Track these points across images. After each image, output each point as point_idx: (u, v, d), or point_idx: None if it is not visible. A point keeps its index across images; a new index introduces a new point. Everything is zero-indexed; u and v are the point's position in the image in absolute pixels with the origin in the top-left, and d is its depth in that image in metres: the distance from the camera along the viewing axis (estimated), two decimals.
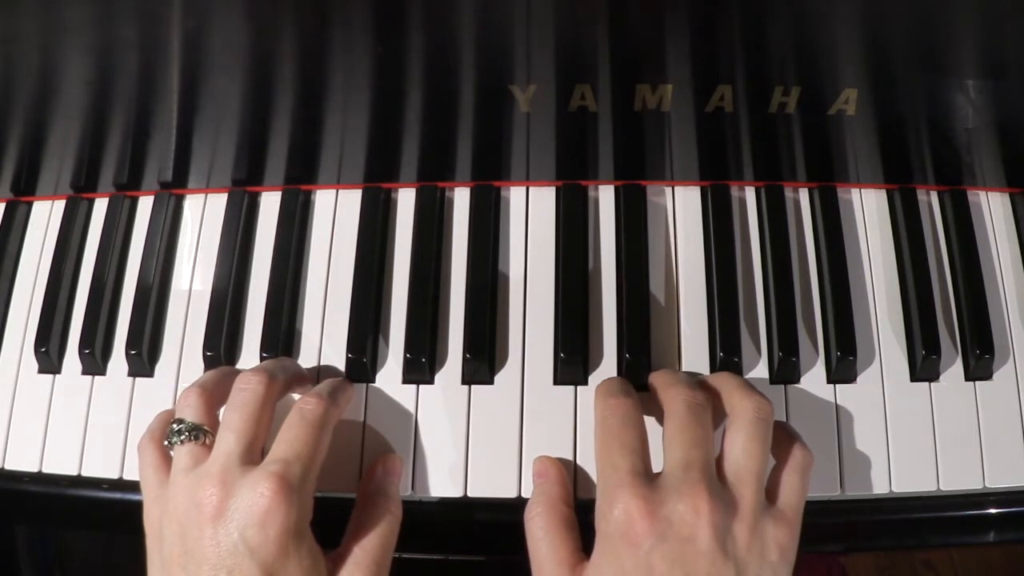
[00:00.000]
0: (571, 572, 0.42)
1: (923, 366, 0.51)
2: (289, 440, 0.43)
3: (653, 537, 0.39)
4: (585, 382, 0.51)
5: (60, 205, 0.58)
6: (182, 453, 0.44)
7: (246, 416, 0.44)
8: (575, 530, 0.45)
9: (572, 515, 0.46)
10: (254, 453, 0.44)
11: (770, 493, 0.44)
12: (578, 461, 0.49)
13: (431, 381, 0.51)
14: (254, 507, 0.40)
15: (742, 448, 0.43)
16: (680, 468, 0.41)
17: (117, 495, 0.52)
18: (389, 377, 0.51)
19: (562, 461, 0.49)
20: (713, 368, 0.51)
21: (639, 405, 0.45)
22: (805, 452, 0.45)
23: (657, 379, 0.48)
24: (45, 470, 0.52)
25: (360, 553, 0.44)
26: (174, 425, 0.45)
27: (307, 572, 0.41)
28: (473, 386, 0.51)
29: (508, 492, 0.49)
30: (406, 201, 0.56)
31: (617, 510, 0.41)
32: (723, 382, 0.46)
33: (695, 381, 0.46)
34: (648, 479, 0.42)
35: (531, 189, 0.56)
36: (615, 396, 0.45)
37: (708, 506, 0.40)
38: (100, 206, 0.58)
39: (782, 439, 0.46)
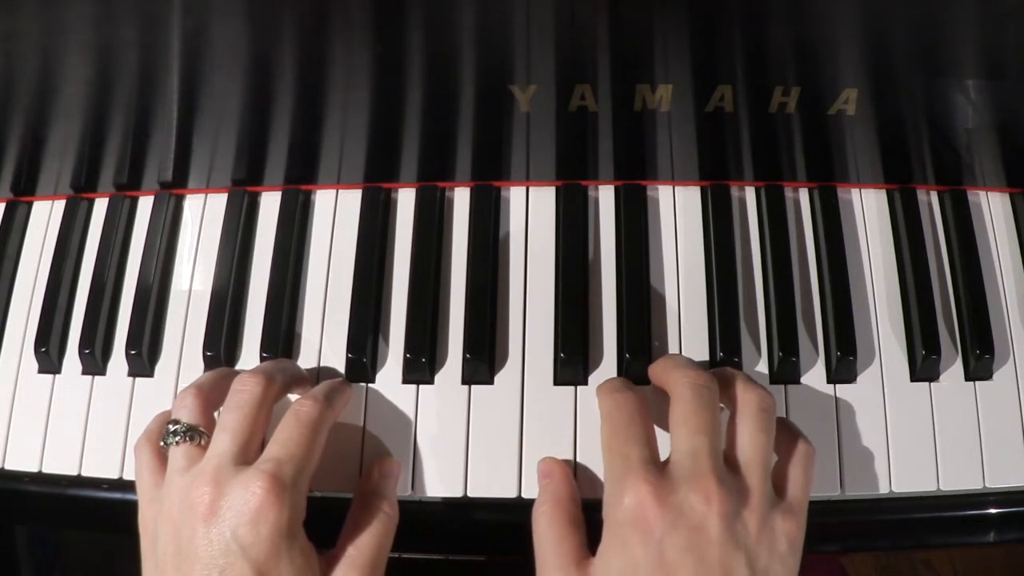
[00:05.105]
0: (576, 568, 0.42)
1: (923, 366, 0.51)
2: (283, 440, 0.43)
3: (664, 525, 0.39)
4: (585, 382, 0.51)
5: (60, 205, 0.58)
6: (177, 454, 0.44)
7: (242, 417, 0.44)
8: (581, 528, 0.45)
9: (579, 513, 0.46)
10: (249, 454, 0.44)
11: (775, 487, 0.44)
12: (578, 462, 0.49)
13: (431, 381, 0.51)
14: (246, 506, 0.40)
15: (749, 438, 0.43)
16: (688, 456, 0.41)
17: (117, 495, 0.52)
18: (389, 377, 0.51)
19: (565, 460, 0.49)
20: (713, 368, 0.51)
21: (644, 400, 0.45)
22: (807, 445, 0.45)
23: (659, 366, 0.47)
24: (45, 470, 0.52)
25: (354, 553, 0.44)
26: (170, 426, 0.45)
27: (299, 571, 0.41)
28: (473, 386, 0.51)
29: (508, 492, 0.49)
30: (406, 201, 0.56)
31: (628, 498, 0.40)
32: (726, 375, 0.46)
33: (698, 364, 0.46)
34: (658, 467, 0.42)
35: (531, 189, 0.56)
36: (620, 391, 0.45)
37: (718, 495, 0.40)
38: (100, 206, 0.58)
39: (783, 434, 0.46)
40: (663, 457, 0.44)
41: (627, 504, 0.40)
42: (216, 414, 0.46)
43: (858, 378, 0.51)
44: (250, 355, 0.53)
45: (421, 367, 0.50)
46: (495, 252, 0.54)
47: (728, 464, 0.42)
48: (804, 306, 0.53)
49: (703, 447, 0.41)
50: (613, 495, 0.42)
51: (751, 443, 0.43)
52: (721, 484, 0.40)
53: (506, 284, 0.53)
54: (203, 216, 0.57)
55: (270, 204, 0.57)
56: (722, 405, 0.45)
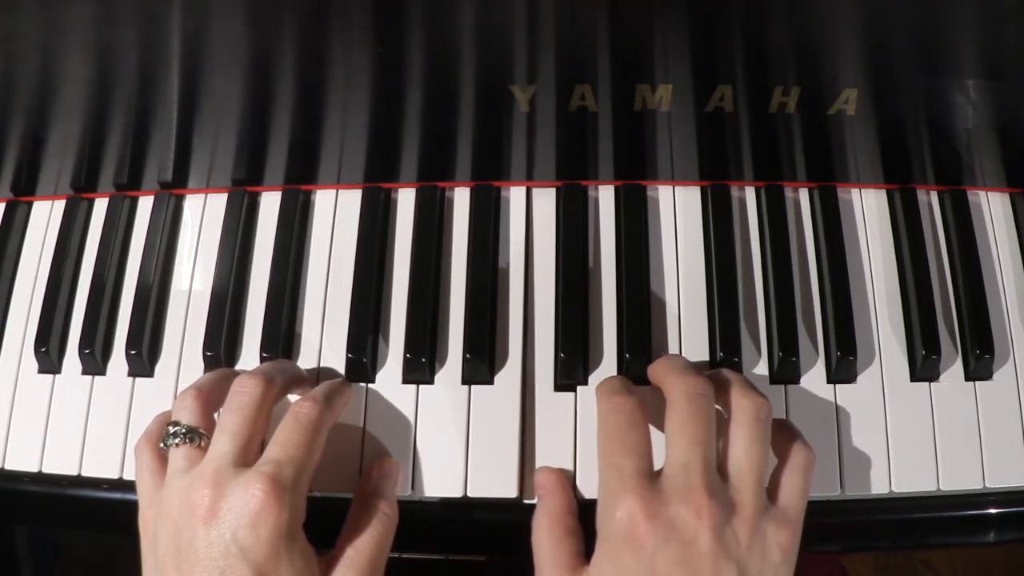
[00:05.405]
0: (571, 574, 0.43)
1: (923, 366, 0.51)
2: (283, 442, 0.43)
3: (656, 540, 0.40)
4: (585, 382, 0.51)
5: (60, 205, 0.58)
6: (177, 456, 0.44)
7: (241, 419, 0.44)
8: (577, 537, 0.45)
9: (575, 524, 0.46)
10: (249, 455, 0.44)
11: (771, 493, 0.44)
12: (578, 462, 0.49)
13: (431, 381, 0.51)
14: (245, 508, 0.40)
15: (744, 449, 0.43)
16: (681, 468, 0.41)
17: (117, 495, 0.52)
18: (389, 377, 0.51)
19: (562, 469, 0.49)
20: (713, 368, 0.51)
21: (643, 403, 0.45)
22: (807, 451, 0.45)
23: (657, 367, 0.47)
24: (45, 470, 0.52)
25: (353, 554, 0.44)
26: (170, 428, 0.45)
27: (299, 573, 0.41)
28: (473, 386, 0.51)
29: (508, 492, 0.49)
30: (406, 201, 0.56)
31: (620, 512, 0.41)
32: (724, 379, 0.46)
33: (696, 368, 0.46)
34: (651, 480, 0.42)
35: (531, 189, 0.56)
36: (619, 394, 0.45)
37: (709, 509, 0.40)
38: (100, 206, 0.58)
39: (783, 437, 0.46)
40: (660, 459, 0.44)
41: (619, 518, 0.41)
42: (216, 415, 0.46)
43: (858, 378, 0.51)
44: (250, 355, 0.53)
45: (421, 367, 0.51)
46: (495, 252, 0.54)
47: (721, 473, 0.42)
48: (804, 306, 0.53)
49: (696, 460, 0.41)
50: (606, 507, 0.42)
51: (746, 454, 0.43)
52: (712, 498, 0.40)
53: (506, 284, 0.53)
54: (203, 216, 0.57)
55: (270, 204, 0.57)
56: (719, 407, 0.46)
